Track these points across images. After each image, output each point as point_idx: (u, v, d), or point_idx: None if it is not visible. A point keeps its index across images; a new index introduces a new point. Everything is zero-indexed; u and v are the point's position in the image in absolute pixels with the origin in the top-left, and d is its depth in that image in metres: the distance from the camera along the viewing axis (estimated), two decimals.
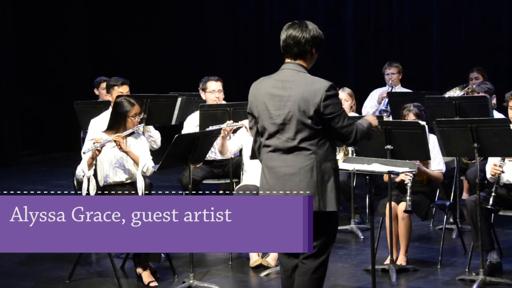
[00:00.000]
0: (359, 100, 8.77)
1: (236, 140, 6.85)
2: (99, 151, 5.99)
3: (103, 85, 8.55)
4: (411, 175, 6.24)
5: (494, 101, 7.72)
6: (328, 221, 4.56)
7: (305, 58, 4.55)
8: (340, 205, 4.59)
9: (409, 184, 6.25)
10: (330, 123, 4.46)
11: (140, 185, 6.14)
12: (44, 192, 9.96)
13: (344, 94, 7.52)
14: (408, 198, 6.22)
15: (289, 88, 4.49)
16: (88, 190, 6.04)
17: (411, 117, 6.54)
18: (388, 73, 9.15)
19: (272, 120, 4.53)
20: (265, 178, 4.60)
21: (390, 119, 8.24)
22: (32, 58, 12.83)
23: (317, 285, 4.60)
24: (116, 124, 6.17)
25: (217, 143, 6.79)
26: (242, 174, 6.92)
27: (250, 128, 4.73)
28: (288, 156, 4.50)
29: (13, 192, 9.91)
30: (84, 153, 6.02)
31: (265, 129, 4.57)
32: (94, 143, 5.99)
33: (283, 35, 4.56)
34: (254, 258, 6.51)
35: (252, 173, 6.72)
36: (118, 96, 6.46)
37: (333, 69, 11.28)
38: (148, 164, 6.17)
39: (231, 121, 6.82)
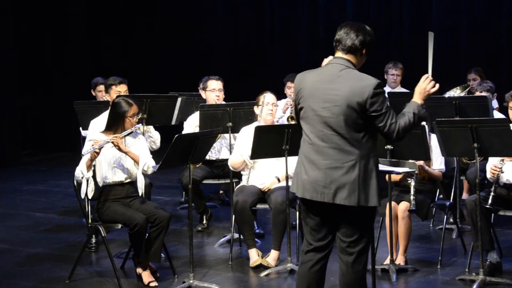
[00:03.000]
0: None
1: (237, 151, 6.79)
2: (98, 153, 5.98)
3: (100, 87, 8.55)
4: (414, 176, 6.26)
5: (495, 101, 7.73)
6: (367, 215, 4.62)
7: (355, 54, 4.60)
8: (380, 200, 4.61)
9: (413, 184, 6.25)
10: (373, 121, 4.49)
11: (141, 184, 6.14)
12: (44, 192, 9.98)
13: None
14: (412, 197, 6.23)
15: (337, 82, 4.52)
16: (86, 192, 6.03)
17: None
18: (394, 73, 9.14)
19: (316, 112, 4.54)
20: (304, 169, 4.60)
21: None
22: (32, 58, 12.83)
23: (360, 275, 4.66)
24: (115, 125, 6.16)
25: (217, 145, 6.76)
26: (243, 174, 6.91)
27: (295, 119, 4.79)
28: (330, 150, 4.51)
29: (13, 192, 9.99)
30: (83, 155, 6.00)
31: (309, 121, 4.59)
32: (92, 145, 5.98)
33: (340, 30, 4.62)
34: (254, 258, 6.52)
35: (256, 172, 6.72)
36: (116, 97, 6.45)
37: None
38: (148, 163, 6.17)
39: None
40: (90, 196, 6.09)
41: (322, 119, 4.52)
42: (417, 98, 4.67)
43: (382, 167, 5.06)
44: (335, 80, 4.52)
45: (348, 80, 4.50)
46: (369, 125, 4.50)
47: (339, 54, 4.62)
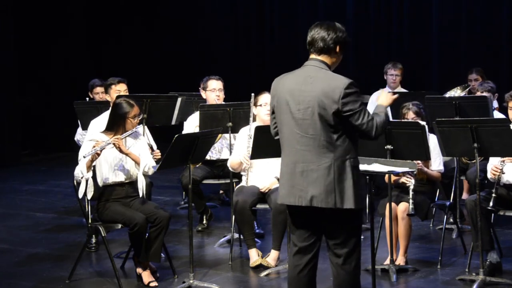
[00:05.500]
0: None
1: (237, 153, 6.79)
2: (99, 154, 5.98)
3: (97, 89, 8.51)
4: (413, 179, 6.25)
5: (495, 101, 7.73)
6: (348, 217, 4.57)
7: (329, 54, 4.60)
8: (361, 202, 4.57)
9: (411, 187, 6.25)
10: (349, 120, 4.47)
11: (141, 185, 6.13)
12: (44, 192, 9.98)
13: None
14: (411, 201, 6.22)
15: (309, 83, 4.52)
16: (85, 192, 6.02)
17: (410, 116, 6.55)
18: (393, 73, 9.12)
19: (291, 115, 4.55)
20: (283, 173, 4.65)
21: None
22: (32, 58, 12.82)
23: (352, 276, 4.64)
24: (115, 126, 6.15)
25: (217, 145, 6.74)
26: (242, 175, 6.90)
27: (270, 124, 4.83)
28: (306, 152, 4.52)
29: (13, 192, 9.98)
30: (84, 156, 5.98)
31: (284, 123, 4.60)
32: (93, 146, 5.97)
33: (310, 32, 4.63)
34: (254, 258, 6.52)
35: (255, 172, 6.72)
36: (117, 97, 6.45)
37: (333, 70, 11.25)
38: (149, 164, 6.17)
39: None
40: (89, 197, 6.08)
41: (297, 122, 4.54)
42: (383, 102, 4.78)
43: (382, 167, 5.07)
44: (307, 82, 4.53)
45: (320, 82, 4.51)
46: (344, 126, 4.49)
47: (313, 56, 4.63)
